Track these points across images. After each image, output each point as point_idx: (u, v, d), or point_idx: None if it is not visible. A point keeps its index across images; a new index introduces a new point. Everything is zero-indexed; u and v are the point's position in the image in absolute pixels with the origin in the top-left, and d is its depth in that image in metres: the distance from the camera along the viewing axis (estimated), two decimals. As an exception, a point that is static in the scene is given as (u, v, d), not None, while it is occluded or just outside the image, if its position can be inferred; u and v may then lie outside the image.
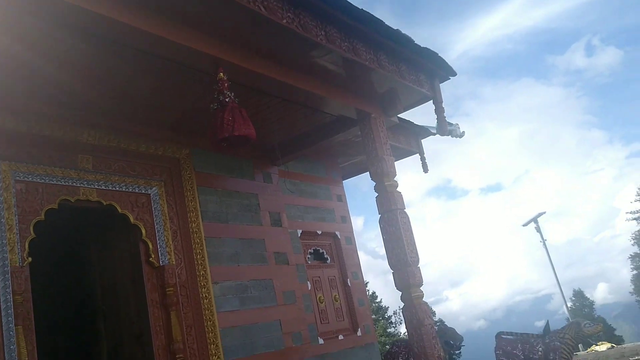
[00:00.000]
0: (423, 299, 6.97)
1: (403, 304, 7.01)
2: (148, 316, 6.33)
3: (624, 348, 18.97)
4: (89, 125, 6.17)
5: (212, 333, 6.66)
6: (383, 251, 7.27)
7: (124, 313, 6.61)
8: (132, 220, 6.46)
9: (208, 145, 6.95)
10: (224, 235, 7.27)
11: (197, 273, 6.76)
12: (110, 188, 6.40)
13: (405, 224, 7.09)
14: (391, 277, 7.13)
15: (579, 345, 25.10)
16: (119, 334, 6.66)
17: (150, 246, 6.49)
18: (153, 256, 6.48)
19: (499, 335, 6.34)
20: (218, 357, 6.61)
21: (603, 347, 21.06)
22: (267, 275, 7.66)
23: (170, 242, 6.69)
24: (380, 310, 55.13)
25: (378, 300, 56.37)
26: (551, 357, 5.91)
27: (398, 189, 7.26)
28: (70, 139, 6.01)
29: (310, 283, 10.86)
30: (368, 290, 48.63)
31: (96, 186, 6.28)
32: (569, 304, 53.30)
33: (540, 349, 6.01)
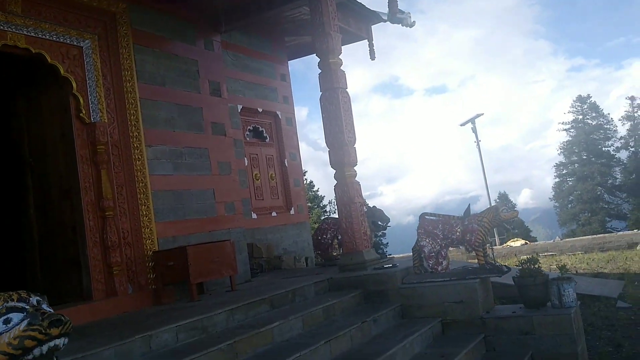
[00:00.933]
0: (355, 179, 7.13)
1: (336, 182, 7.16)
2: (77, 172, 6.23)
3: (536, 245, 20.42)
4: (16, -36, 5.70)
5: (143, 194, 6.66)
6: (324, 143, 7.30)
7: (53, 168, 6.47)
8: (62, 72, 6.17)
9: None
10: (160, 99, 7.09)
11: (130, 134, 6.63)
12: (40, 36, 6.04)
13: (346, 104, 7.10)
14: (331, 170, 7.21)
15: (497, 239, 26.88)
16: (47, 188, 6.55)
17: (81, 101, 6.27)
18: (84, 112, 6.27)
19: (422, 216, 6.63)
20: (149, 218, 6.66)
21: (517, 243, 22.53)
22: (203, 144, 7.60)
23: (103, 100, 6.47)
24: (317, 199, 56.58)
25: (315, 189, 57.69)
26: (467, 238, 6.26)
27: (342, 68, 7.19)
28: (-5, -24, 5.55)
29: (247, 159, 10.91)
30: (306, 179, 49.48)
31: (25, 32, 5.91)
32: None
33: (458, 229, 6.35)
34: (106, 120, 6.46)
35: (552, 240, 22.98)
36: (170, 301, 6.54)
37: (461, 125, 28.58)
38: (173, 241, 6.90)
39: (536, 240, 28.62)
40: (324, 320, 5.79)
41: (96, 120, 6.35)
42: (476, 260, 6.49)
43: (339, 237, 8.27)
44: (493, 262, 6.29)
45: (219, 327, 5.15)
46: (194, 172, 7.40)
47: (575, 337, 5.62)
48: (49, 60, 6.06)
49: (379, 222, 8.30)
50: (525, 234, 48.63)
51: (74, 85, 6.24)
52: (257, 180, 11.23)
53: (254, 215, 10.86)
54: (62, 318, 2.63)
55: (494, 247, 22.25)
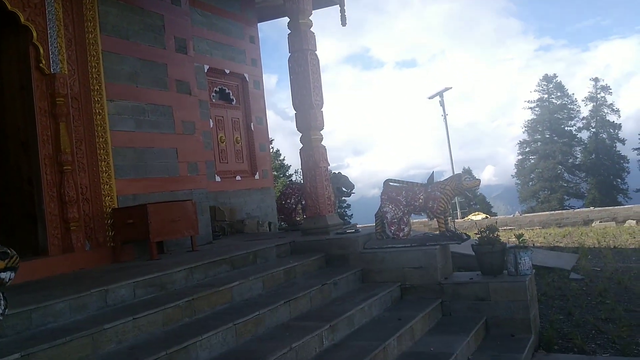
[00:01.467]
0: (321, 143, 7.09)
1: (302, 145, 7.11)
2: (35, 124, 6.03)
3: (496, 219, 20.84)
4: None
5: (103, 150, 6.50)
6: (293, 112, 7.21)
7: (10, 119, 6.24)
8: (22, 20, 5.91)
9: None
10: (124, 52, 6.88)
11: (91, 87, 6.43)
12: (-3, -20, 5.77)
13: (315, 66, 7.02)
14: (298, 140, 7.14)
15: (458, 213, 27.38)
16: (3, 141, 6.32)
17: (42, 51, 6.03)
18: (44, 62, 6.04)
19: (386, 182, 6.65)
20: (108, 175, 6.52)
21: (478, 217, 23.01)
22: (167, 102, 7.43)
23: (64, 50, 6.24)
24: (283, 167, 56.59)
25: (282, 158, 57.67)
26: (430, 205, 6.32)
27: (312, 30, 7.08)
28: None
29: (212, 121, 10.77)
30: (273, 148, 49.31)
31: (-20, -25, 5.64)
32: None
33: (421, 197, 6.40)
34: (66, 72, 6.25)
35: (511, 215, 23.51)
36: (129, 259, 6.47)
37: (429, 98, 28.74)
38: (133, 199, 6.78)
39: (496, 216, 29.27)
40: (284, 282, 5.81)
41: (56, 72, 6.13)
42: (437, 231, 6.56)
43: (303, 202, 8.26)
44: (453, 230, 6.37)
45: (178, 285, 5.11)
46: (157, 129, 7.26)
47: (529, 304, 5.77)
48: (9, 7, 5.80)
49: (343, 189, 8.31)
50: (487, 210, 49.63)
51: (34, 34, 6.00)
52: (222, 143, 11.10)
53: (218, 178, 10.76)
54: (8, 251, 2.55)
55: (456, 220, 22.68)
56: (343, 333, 4.94)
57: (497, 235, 6.21)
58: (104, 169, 6.47)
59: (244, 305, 4.94)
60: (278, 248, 6.64)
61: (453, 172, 33.58)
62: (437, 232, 6.38)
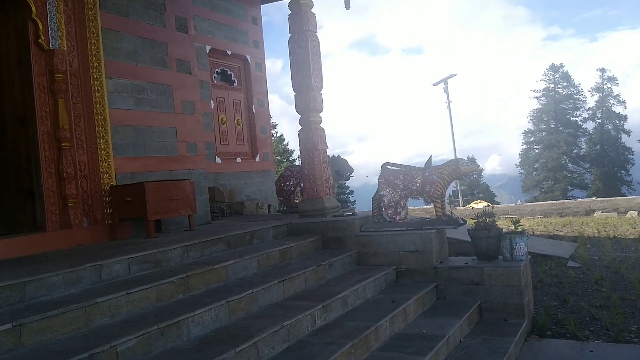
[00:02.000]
0: (320, 125, 7.08)
1: (300, 127, 7.10)
2: (34, 100, 6.03)
3: (498, 207, 20.78)
4: None
5: (102, 128, 6.50)
6: None
7: (8, 94, 6.25)
8: (21, -6, 5.91)
9: None
10: (124, 30, 6.86)
11: (91, 64, 6.42)
12: (-4, -46, 5.75)
13: (315, 48, 6.98)
14: None
15: (460, 200, 27.36)
16: (1, 117, 6.33)
17: (40, 26, 6.02)
18: (43, 37, 6.03)
19: (384, 166, 6.63)
20: (107, 152, 6.53)
21: (480, 205, 22.92)
22: (166, 81, 7.42)
23: (63, 26, 6.22)
24: (286, 152, 56.66)
25: (285, 143, 57.72)
26: (427, 189, 6.31)
27: (313, 11, 7.03)
28: None
29: (213, 102, 10.76)
30: (277, 132, 49.28)
31: (-21, -52, 5.61)
32: (460, 170, 56.94)
33: (419, 181, 6.38)
34: (65, 48, 6.23)
35: (514, 204, 23.49)
36: (126, 237, 6.50)
37: (434, 85, 28.60)
38: (131, 177, 6.79)
39: (499, 205, 29.21)
40: (280, 262, 5.83)
41: (55, 47, 6.12)
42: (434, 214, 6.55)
43: (302, 185, 8.26)
44: (450, 215, 6.37)
45: (173, 262, 5.13)
46: (156, 108, 7.25)
47: (523, 289, 5.78)
48: (7, -20, 5.79)
49: (342, 172, 8.30)
50: (490, 199, 49.51)
51: (34, 9, 5.98)
52: (223, 124, 11.10)
53: (218, 160, 10.77)
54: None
55: (457, 207, 22.66)
56: (336, 313, 4.97)
57: (494, 221, 6.20)
58: (102, 146, 6.48)
59: (238, 283, 4.96)
60: (275, 229, 6.65)
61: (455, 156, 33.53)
62: (434, 217, 6.37)
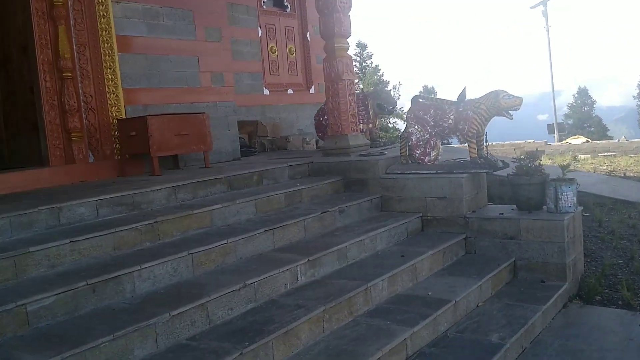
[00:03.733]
0: (347, 52, 6.27)
1: (325, 55, 6.34)
2: (32, 28, 5.67)
3: (597, 144, 18.83)
4: None
5: (109, 57, 6.07)
6: None
7: (12, 22, 5.94)
8: None
9: None
10: (131, -53, 6.29)
11: (93, -14, 5.94)
12: None
13: (342, -38, 6.08)
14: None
15: (556, 136, 25.26)
16: (7, 45, 6.06)
17: (35, -54, 5.57)
18: (38, -42, 5.59)
19: (414, 99, 5.79)
20: (115, 83, 6.12)
21: (577, 140, 21.00)
22: (185, 5, 6.82)
23: (60, -55, 5.74)
24: (380, 83, 55.42)
25: (380, 74, 56.38)
26: (461, 127, 5.43)
27: None
28: None
29: (261, 30, 10.08)
30: (371, 62, 47.92)
31: None
32: (571, 102, 53.06)
33: (451, 116, 5.50)
34: (64, -30, 5.77)
35: (617, 140, 21.32)
36: (138, 173, 6.16)
37: (531, 8, 26.07)
38: (144, 110, 6.38)
39: (616, 140, 26.59)
40: (285, 207, 5.26)
41: (52, -31, 5.67)
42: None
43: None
44: (487, 155, 5.46)
45: (156, 205, 4.69)
46: (174, 35, 6.71)
47: (566, 247, 4.88)
48: None
49: (385, 105, 7.50)
50: (602, 133, 45.76)
51: None
52: (273, 53, 10.44)
53: (266, 91, 10.21)
54: None
55: (552, 143, 20.85)
56: (329, 268, 4.37)
57: (539, 163, 5.25)
58: (109, 76, 6.07)
59: (221, 231, 4.45)
60: (292, 169, 6.06)
61: (553, 93, 30.95)
62: (468, 159, 5.50)
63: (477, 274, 4.71)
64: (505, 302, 4.52)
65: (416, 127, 5.67)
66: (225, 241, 4.11)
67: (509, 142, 20.24)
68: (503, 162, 5.50)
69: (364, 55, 59.15)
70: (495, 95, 5.26)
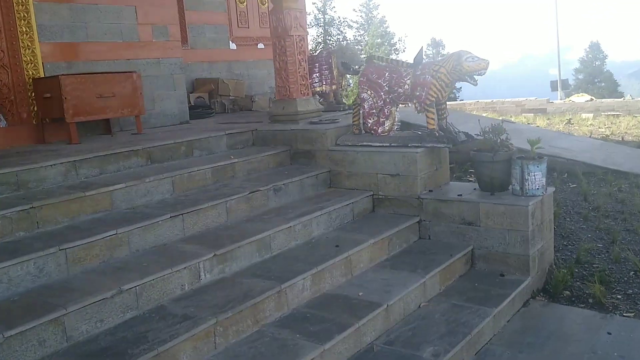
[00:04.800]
0: (297, 3, 5.46)
1: (272, 7, 5.54)
2: None
3: (601, 102, 17.90)
4: None
5: (22, 6, 5.31)
6: None
7: None
8: None
9: None
10: None
11: None
12: None
13: None
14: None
15: (559, 94, 24.23)
16: None
17: None
18: None
19: (369, 60, 5.03)
20: (30, 37, 5.37)
21: (582, 98, 20.02)
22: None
23: None
24: (387, 35, 53.98)
25: (386, 25, 54.96)
26: (417, 93, 4.68)
27: None
28: None
29: (225, -23, 9.19)
30: (378, 13, 46.39)
31: None
32: (582, 56, 51.58)
33: (408, 81, 4.75)
34: None
35: (622, 99, 20.34)
36: (58, 140, 5.47)
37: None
38: (67, 68, 5.64)
39: (623, 97, 25.47)
40: (211, 184, 4.58)
41: None
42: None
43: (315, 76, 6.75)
44: (447, 127, 4.73)
45: (49, 183, 4.02)
46: (103, -19, 5.91)
47: (530, 236, 4.21)
48: None
49: (350, 64, 6.70)
50: (612, 89, 44.43)
51: None
52: (242, 4, 9.56)
53: (233, 46, 9.39)
54: None
55: (554, 101, 19.87)
56: (246, 262, 3.72)
57: (505, 138, 4.52)
58: (24, 29, 5.32)
59: (122, 216, 3.79)
60: (231, 137, 5.36)
61: (559, 50, 29.64)
62: (426, 130, 4.77)
63: (425, 267, 4.05)
64: (453, 302, 3.88)
65: (369, 92, 4.92)
66: (114, 231, 3.45)
67: (510, 99, 19.30)
68: (467, 134, 4.76)
69: (370, 6, 57.44)
70: (457, 57, 4.49)
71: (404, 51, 54.64)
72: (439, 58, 4.65)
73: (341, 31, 54.04)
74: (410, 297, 3.73)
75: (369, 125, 4.96)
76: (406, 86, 4.73)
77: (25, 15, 5.30)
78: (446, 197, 4.59)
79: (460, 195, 4.55)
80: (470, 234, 4.45)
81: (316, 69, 6.71)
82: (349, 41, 51.60)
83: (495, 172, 4.47)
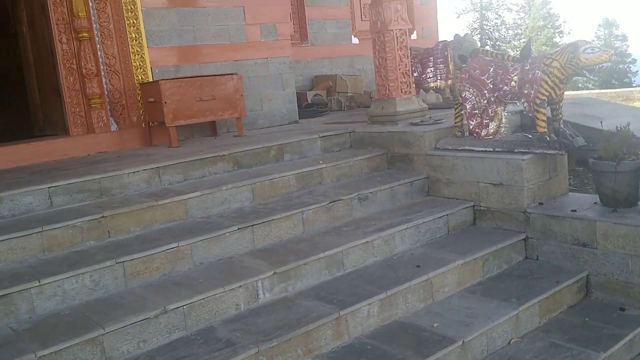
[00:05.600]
0: (399, -6, 5.04)
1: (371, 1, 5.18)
2: (46, -17, 5.22)
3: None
4: None
5: (131, 13, 5.48)
6: None
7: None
8: None
9: None
10: None
11: None
12: None
13: None
14: None
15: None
16: (29, 3, 5.71)
17: None
18: None
19: (474, 53, 4.48)
20: (139, 43, 5.53)
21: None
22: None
23: None
24: (550, 17, 50.45)
25: (549, 7, 51.40)
26: (526, 91, 4.07)
27: None
28: None
29: (349, -32, 8.94)
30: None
31: None
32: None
33: (514, 77, 4.14)
34: None
35: None
36: (160, 143, 5.61)
37: None
38: (175, 71, 5.76)
39: None
40: (295, 191, 4.37)
41: None
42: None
43: (420, 70, 6.34)
44: (562, 129, 4.05)
45: (132, 190, 4.06)
46: (210, -17, 5.93)
47: (660, 266, 3.46)
48: None
49: (464, 55, 6.11)
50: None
51: None
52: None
53: (355, 40, 9.15)
54: None
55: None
56: (313, 281, 3.47)
57: (635, 145, 3.77)
58: (133, 35, 5.49)
59: (195, 226, 3.72)
60: (326, 140, 5.11)
61: None
62: (537, 134, 4.14)
63: (520, 295, 3.51)
64: (551, 341, 3.29)
65: (471, 90, 4.39)
66: (176, 244, 3.37)
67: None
68: (583, 139, 4.06)
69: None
70: (573, 48, 3.82)
71: (569, 33, 50.50)
72: (552, 51, 3.98)
73: (499, 15, 51.24)
74: (496, 332, 3.23)
75: (472, 126, 4.43)
76: (512, 83, 4.13)
77: (135, 21, 5.47)
78: (557, 212, 3.94)
79: (575, 210, 3.88)
80: (585, 258, 3.78)
81: (431, 63, 6.24)
82: (501, 25, 48.80)
83: (618, 185, 3.74)
